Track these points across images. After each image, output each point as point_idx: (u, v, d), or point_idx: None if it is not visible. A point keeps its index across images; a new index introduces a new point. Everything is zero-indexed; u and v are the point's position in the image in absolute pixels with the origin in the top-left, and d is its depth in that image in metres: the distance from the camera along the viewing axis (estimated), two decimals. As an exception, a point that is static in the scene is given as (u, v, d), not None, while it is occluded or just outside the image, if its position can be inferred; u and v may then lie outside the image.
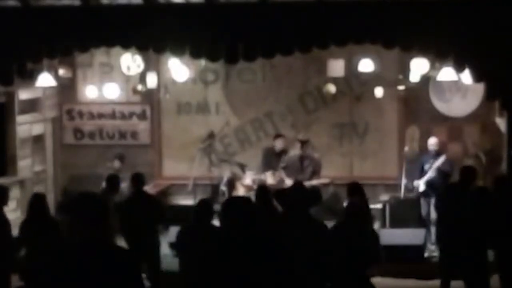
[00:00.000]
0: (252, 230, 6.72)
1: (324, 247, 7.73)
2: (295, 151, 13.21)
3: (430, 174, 12.49)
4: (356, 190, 10.23)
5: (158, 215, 10.35)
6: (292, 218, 7.89)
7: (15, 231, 12.92)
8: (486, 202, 9.63)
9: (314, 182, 12.85)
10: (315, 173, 12.96)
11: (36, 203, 9.74)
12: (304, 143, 12.95)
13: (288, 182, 12.78)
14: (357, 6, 10.61)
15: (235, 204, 6.55)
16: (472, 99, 13.94)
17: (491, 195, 9.75)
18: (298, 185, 8.98)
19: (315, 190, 12.63)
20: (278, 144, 13.49)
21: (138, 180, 10.48)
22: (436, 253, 11.40)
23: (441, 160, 12.49)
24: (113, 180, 10.58)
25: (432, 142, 12.87)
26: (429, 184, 12.47)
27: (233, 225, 6.29)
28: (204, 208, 8.57)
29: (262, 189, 10.42)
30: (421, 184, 12.61)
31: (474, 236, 9.65)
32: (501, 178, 10.25)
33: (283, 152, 13.46)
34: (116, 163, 13.76)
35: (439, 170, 12.44)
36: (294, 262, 6.76)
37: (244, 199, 7.50)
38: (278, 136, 13.68)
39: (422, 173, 12.69)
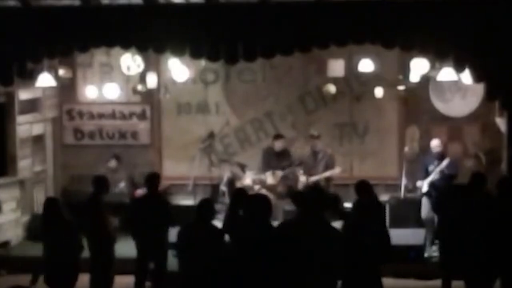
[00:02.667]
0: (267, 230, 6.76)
1: (337, 250, 7.68)
2: (305, 148, 13.33)
3: (433, 176, 12.48)
4: (363, 188, 10.22)
5: (168, 218, 10.32)
6: (306, 219, 7.86)
7: (18, 231, 13.03)
8: (492, 207, 9.67)
9: (328, 173, 12.96)
10: (328, 168, 13.09)
11: (50, 206, 9.68)
12: (316, 138, 13.19)
13: (302, 178, 12.87)
14: (357, 6, 10.61)
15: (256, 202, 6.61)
16: (472, 99, 13.95)
17: (497, 199, 9.76)
18: (315, 187, 8.94)
19: (334, 194, 12.64)
20: (278, 145, 13.50)
21: (152, 181, 10.44)
22: (436, 253, 11.40)
23: (445, 163, 12.47)
24: (102, 181, 10.52)
25: (435, 144, 12.84)
26: (432, 185, 12.46)
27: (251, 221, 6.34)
28: (205, 207, 8.56)
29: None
30: (424, 185, 12.61)
31: (478, 238, 9.63)
32: (504, 180, 10.25)
33: (284, 152, 13.47)
34: (113, 163, 13.76)
35: (443, 172, 12.44)
36: (306, 263, 6.79)
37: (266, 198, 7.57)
38: (277, 137, 13.65)
39: (426, 174, 12.68)
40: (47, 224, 9.56)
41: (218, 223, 8.90)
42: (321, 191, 8.70)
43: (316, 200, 7.98)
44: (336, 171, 13.20)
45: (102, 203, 10.32)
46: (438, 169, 12.47)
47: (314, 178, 12.94)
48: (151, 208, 10.19)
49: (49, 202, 9.75)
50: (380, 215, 10.34)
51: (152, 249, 10.19)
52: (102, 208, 10.28)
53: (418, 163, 13.21)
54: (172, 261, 10.45)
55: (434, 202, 10.78)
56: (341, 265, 7.74)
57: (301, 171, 13.18)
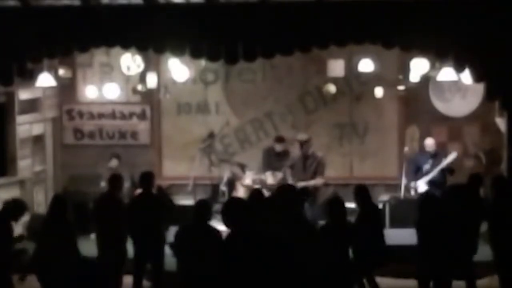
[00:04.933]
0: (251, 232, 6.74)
1: (314, 247, 7.64)
2: (297, 151, 13.13)
3: (434, 173, 12.47)
4: (360, 192, 10.20)
5: (165, 216, 10.33)
6: (279, 219, 7.84)
7: (17, 231, 12.97)
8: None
9: (312, 182, 12.65)
10: (318, 173, 12.70)
11: (56, 205, 9.67)
12: (303, 144, 12.83)
13: (291, 181, 12.73)
14: (357, 6, 10.61)
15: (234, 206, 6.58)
16: (472, 99, 13.96)
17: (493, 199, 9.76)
18: (285, 186, 8.86)
19: (303, 190, 12.53)
20: (278, 147, 13.45)
21: (146, 180, 10.43)
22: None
23: (452, 157, 12.51)
24: (117, 180, 10.53)
25: (429, 143, 12.86)
26: (432, 183, 12.45)
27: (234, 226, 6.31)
28: (202, 208, 8.56)
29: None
30: (421, 184, 12.59)
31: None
32: (500, 179, 10.24)
33: (284, 152, 13.43)
34: (114, 162, 13.71)
35: (444, 168, 12.46)
36: (285, 263, 6.77)
37: (243, 202, 7.50)
38: (278, 140, 13.54)
39: (418, 173, 12.67)
40: (49, 222, 9.52)
41: (216, 223, 8.86)
42: (290, 189, 8.58)
43: (286, 199, 7.94)
44: (319, 182, 12.77)
45: (118, 201, 10.30)
46: (442, 165, 12.48)
47: (301, 184, 12.71)
48: (146, 207, 10.18)
49: (56, 201, 9.72)
50: (378, 220, 10.30)
51: (149, 249, 10.17)
52: (117, 206, 10.25)
53: (413, 163, 13.19)
54: (171, 261, 10.47)
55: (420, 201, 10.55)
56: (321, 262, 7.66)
57: (290, 175, 12.96)
